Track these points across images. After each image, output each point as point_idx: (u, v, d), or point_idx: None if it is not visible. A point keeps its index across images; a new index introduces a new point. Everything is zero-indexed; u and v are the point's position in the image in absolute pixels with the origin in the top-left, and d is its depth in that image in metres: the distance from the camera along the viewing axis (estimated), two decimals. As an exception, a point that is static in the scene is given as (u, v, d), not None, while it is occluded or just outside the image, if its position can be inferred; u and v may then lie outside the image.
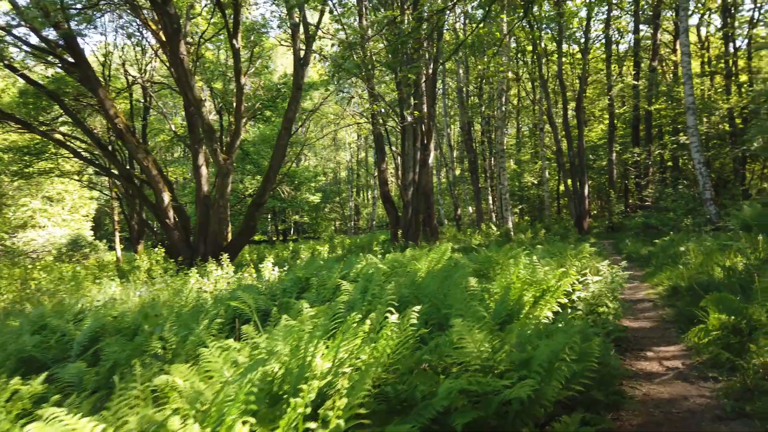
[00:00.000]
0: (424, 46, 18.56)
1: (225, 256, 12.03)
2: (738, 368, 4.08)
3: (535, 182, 31.64)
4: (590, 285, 5.29)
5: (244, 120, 24.66)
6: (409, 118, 16.66)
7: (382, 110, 17.59)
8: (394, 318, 3.26)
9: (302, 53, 15.56)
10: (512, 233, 20.57)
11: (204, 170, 15.23)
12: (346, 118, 22.03)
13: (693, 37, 26.72)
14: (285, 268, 10.92)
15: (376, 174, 23.13)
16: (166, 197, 14.44)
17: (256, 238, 39.72)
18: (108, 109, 13.08)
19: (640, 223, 15.73)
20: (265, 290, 5.56)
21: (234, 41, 13.86)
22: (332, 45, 19.88)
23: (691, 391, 4.05)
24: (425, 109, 18.81)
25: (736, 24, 23.92)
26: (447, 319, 3.99)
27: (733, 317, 4.51)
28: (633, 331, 5.78)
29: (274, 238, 36.51)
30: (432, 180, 22.40)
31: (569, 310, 4.98)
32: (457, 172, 35.68)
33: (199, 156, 15.01)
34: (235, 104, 15.49)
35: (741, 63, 24.54)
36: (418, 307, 3.39)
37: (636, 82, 22.06)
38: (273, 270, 9.96)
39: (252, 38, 20.86)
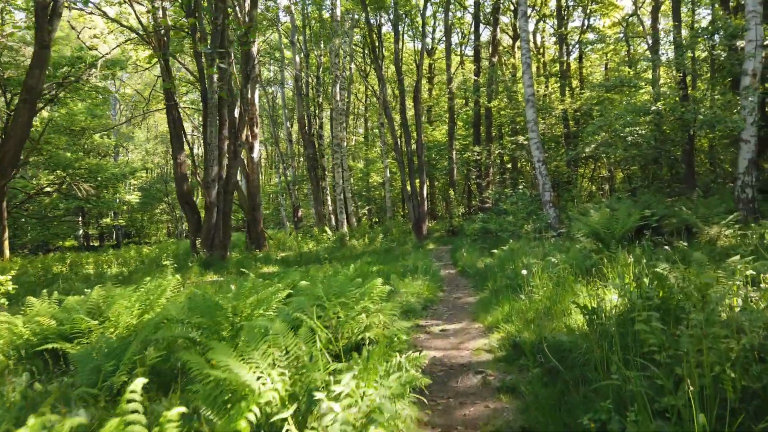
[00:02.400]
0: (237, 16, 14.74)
1: None
2: None
3: (381, 182, 29.23)
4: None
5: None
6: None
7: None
8: None
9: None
10: (347, 239, 17.52)
11: None
12: (152, 102, 17.43)
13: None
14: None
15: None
16: None
17: (67, 244, 32.56)
18: None
19: (478, 229, 13.40)
20: None
21: None
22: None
23: None
24: (237, 89, 14.96)
25: (569, 27, 23.43)
26: None
27: None
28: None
29: (88, 244, 29.84)
30: (258, 177, 18.56)
31: None
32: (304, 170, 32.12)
33: None
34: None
35: (573, 67, 24.19)
36: None
37: (476, 78, 20.26)
38: None
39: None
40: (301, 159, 32.81)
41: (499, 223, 12.64)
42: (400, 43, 17.38)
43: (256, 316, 3.96)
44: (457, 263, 10.95)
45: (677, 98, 13.67)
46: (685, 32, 17.07)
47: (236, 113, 14.00)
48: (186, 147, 13.77)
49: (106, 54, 15.28)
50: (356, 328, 3.40)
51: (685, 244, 6.39)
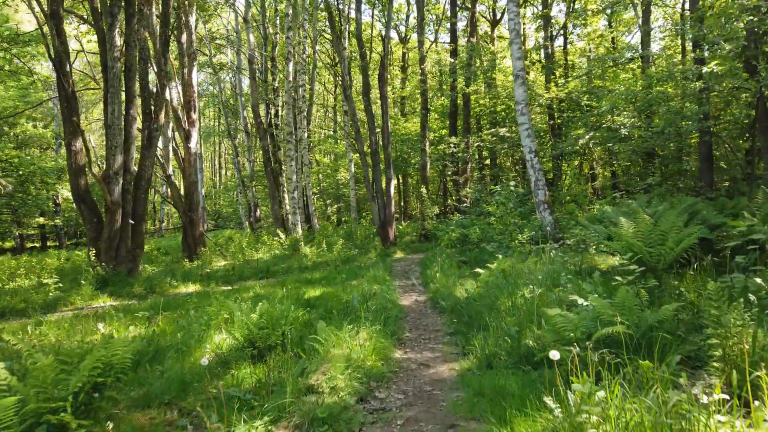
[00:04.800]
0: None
1: None
2: None
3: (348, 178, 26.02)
4: None
5: None
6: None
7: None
8: None
9: None
10: (301, 245, 14.37)
11: None
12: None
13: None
14: None
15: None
16: None
17: (6, 245, 28.56)
18: None
19: (455, 239, 10.35)
20: None
21: None
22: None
23: None
24: (153, 61, 11.70)
25: (552, 14, 20.67)
26: None
27: None
28: None
29: (23, 246, 25.89)
30: (197, 172, 15.26)
31: None
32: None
33: None
34: None
35: (557, 55, 21.43)
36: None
37: (453, 60, 17.29)
38: None
39: None
40: (253, 151, 29.45)
41: (482, 230, 9.64)
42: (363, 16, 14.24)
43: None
44: (428, 285, 7.93)
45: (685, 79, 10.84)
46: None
47: (163, 91, 10.72)
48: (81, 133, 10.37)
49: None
50: None
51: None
